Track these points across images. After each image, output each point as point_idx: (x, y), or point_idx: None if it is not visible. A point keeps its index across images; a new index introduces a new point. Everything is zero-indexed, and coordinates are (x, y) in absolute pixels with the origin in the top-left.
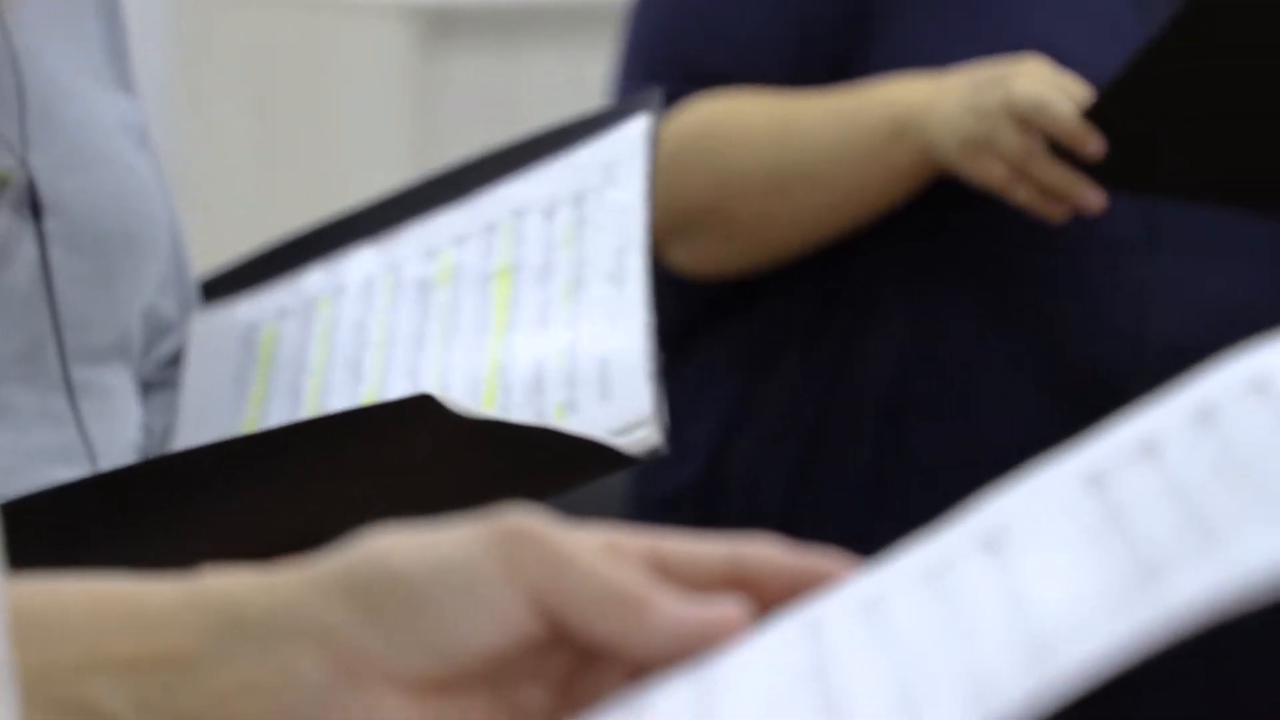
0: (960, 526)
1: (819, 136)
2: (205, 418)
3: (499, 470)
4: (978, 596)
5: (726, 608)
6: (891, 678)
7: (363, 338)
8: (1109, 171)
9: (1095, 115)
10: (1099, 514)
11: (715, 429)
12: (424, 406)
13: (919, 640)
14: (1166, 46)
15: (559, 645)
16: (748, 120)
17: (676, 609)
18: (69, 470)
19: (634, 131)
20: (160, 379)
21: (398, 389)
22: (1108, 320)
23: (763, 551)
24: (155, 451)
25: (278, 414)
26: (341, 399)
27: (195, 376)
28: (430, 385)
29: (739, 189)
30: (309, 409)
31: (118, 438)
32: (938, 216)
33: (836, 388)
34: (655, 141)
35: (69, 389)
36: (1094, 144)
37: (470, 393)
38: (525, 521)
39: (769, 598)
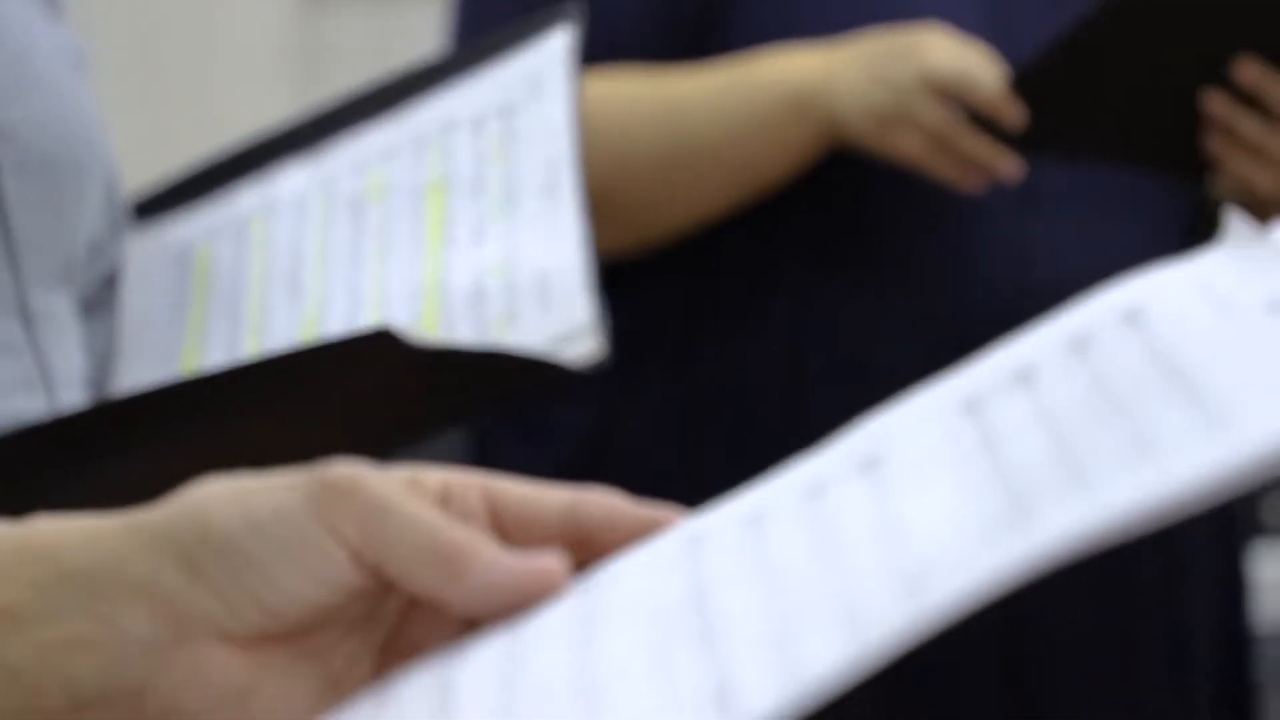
0: (840, 447)
1: (711, 115)
2: (145, 340)
3: (448, 390)
4: (854, 521)
5: (548, 562)
6: (769, 606)
7: (299, 255)
8: (1026, 139)
9: (1020, 85)
10: (974, 439)
11: (595, 410)
12: (382, 340)
13: (797, 566)
14: (1100, 21)
15: (390, 594)
16: (631, 103)
17: (498, 561)
18: (26, 399)
19: (555, 45)
20: (95, 300)
21: (338, 305)
22: (993, 281)
23: (603, 500)
24: (100, 377)
25: (218, 334)
26: (282, 317)
27: (133, 300)
28: (370, 301)
29: (629, 174)
30: (250, 328)
31: (70, 365)
32: (825, 190)
33: (729, 365)
34: (577, 54)
35: (24, 316)
36: (1016, 114)
37: (411, 308)
38: (345, 472)
39: (608, 547)
